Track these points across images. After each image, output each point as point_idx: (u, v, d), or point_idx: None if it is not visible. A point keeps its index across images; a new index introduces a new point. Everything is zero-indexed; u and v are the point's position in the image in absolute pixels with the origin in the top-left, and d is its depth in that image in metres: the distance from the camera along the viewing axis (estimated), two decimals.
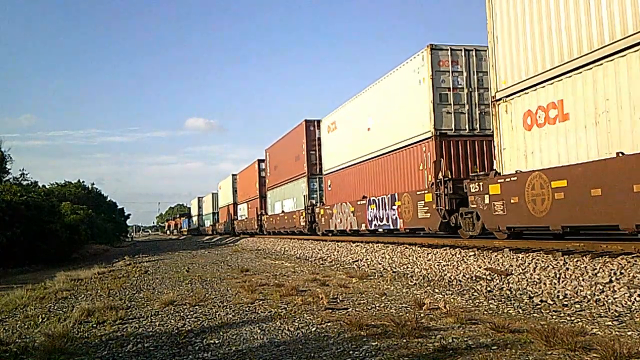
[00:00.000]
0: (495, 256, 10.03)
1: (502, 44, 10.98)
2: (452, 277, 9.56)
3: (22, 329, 7.09)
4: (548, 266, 8.33)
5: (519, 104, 10.51)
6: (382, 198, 16.64)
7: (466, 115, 13.83)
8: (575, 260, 8.22)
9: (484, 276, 9.06)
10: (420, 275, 10.31)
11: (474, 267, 9.80)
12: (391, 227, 16.12)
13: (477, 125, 13.83)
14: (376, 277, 10.53)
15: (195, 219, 79.04)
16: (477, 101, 13.90)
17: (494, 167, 11.49)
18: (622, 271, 7.18)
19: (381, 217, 16.81)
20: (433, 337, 5.12)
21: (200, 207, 73.32)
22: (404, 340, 5.01)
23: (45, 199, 27.36)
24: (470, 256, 10.63)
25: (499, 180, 10.76)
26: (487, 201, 11.09)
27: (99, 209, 52.11)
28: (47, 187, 44.79)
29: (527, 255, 9.37)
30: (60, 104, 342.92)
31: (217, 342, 5.57)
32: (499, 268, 9.19)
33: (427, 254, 12.11)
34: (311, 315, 6.61)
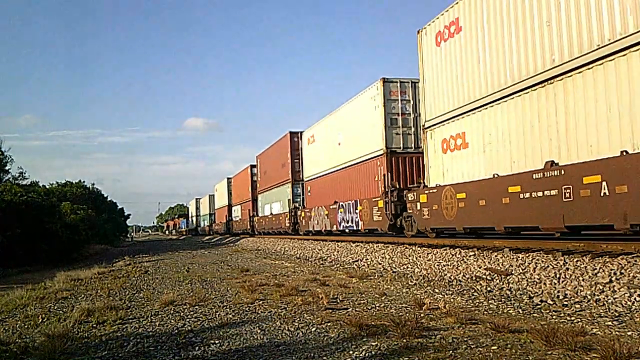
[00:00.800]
0: (495, 256, 10.02)
1: (428, 85, 13.94)
2: (452, 277, 9.55)
3: (22, 329, 7.08)
4: (548, 266, 8.33)
5: (439, 133, 13.45)
6: (348, 203, 19.56)
7: (412, 136, 16.62)
8: (575, 260, 8.22)
9: (484, 276, 9.06)
10: (420, 275, 10.30)
11: (474, 267, 9.80)
12: (355, 228, 18.88)
13: (421, 144, 15.64)
14: (376, 277, 10.53)
15: (193, 219, 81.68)
16: (420, 124, 16.08)
17: (423, 181, 14.22)
18: (622, 271, 7.18)
19: (347, 219, 19.63)
20: (433, 337, 5.12)
21: (197, 208, 75.96)
22: (404, 340, 5.01)
23: (45, 199, 27.35)
24: (470, 256, 10.63)
25: (425, 191, 13.65)
26: (418, 207, 14.03)
27: (99, 209, 52.08)
28: (47, 187, 44.77)
29: (527, 255, 9.37)
30: (60, 104, 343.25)
31: (217, 342, 5.56)
32: (499, 268, 9.19)
33: (427, 254, 12.11)
34: (311, 315, 6.61)
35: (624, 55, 8.06)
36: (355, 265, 13.43)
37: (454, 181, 12.52)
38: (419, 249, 13.17)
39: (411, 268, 11.34)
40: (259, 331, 5.95)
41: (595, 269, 7.56)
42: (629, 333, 4.94)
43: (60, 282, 12.60)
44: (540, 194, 9.48)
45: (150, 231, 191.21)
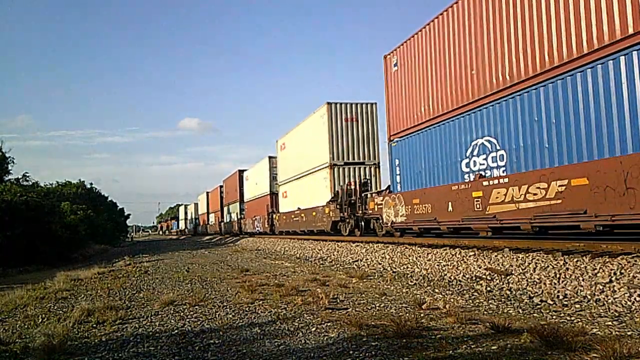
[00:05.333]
0: (495, 256, 10.02)
1: (278, 165, 31.01)
2: (452, 277, 9.56)
3: (22, 329, 7.08)
4: (548, 266, 8.33)
5: (282, 188, 29.96)
6: (258, 217, 36.12)
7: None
8: (575, 260, 8.22)
9: (484, 276, 9.06)
10: (420, 275, 10.30)
11: (474, 267, 9.80)
12: (260, 230, 35.16)
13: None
14: (376, 277, 10.53)
15: (182, 222, 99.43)
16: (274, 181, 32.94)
17: (278, 209, 30.90)
18: (622, 271, 7.18)
19: (258, 226, 36.03)
20: (433, 337, 5.12)
21: (186, 213, 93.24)
22: (404, 340, 5.01)
23: (45, 199, 27.35)
24: (470, 256, 10.63)
25: (277, 214, 30.68)
26: (275, 221, 31.14)
27: (98, 209, 52.06)
28: (47, 187, 44.70)
29: (527, 255, 9.36)
30: (59, 104, 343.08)
31: (217, 342, 5.56)
32: (499, 268, 9.18)
33: (427, 254, 12.10)
34: (311, 315, 6.60)
35: (308, 175, 24.62)
36: (355, 265, 13.43)
37: (285, 210, 29.11)
38: (419, 249, 13.16)
39: (411, 268, 11.34)
40: (259, 331, 5.95)
41: (595, 269, 7.56)
42: (629, 333, 4.94)
43: (60, 282, 12.58)
44: (297, 218, 26.19)
45: (150, 231, 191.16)
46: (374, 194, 17.75)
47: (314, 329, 5.83)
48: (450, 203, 12.40)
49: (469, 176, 12.17)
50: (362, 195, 18.65)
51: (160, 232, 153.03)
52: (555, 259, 8.62)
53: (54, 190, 44.06)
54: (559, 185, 9.21)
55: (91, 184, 59.02)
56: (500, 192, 10.69)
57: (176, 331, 6.23)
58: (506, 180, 10.60)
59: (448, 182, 12.81)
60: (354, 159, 21.36)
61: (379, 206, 16.56)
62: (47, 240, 24.12)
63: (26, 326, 7.22)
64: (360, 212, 18.50)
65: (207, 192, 63.94)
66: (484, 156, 11.69)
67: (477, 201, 11.40)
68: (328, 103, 21.61)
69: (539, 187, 9.66)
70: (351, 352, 4.79)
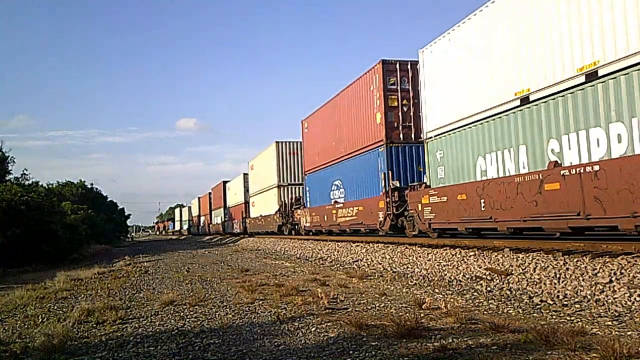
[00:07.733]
0: (495, 256, 10.02)
1: (250, 181, 38.57)
2: (452, 277, 9.55)
3: (22, 329, 7.08)
4: (548, 266, 8.33)
5: (252, 199, 37.47)
6: (236, 220, 42.97)
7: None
8: (575, 260, 8.22)
9: (484, 276, 9.06)
10: (420, 275, 10.30)
11: (474, 267, 9.79)
12: (238, 231, 42.26)
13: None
14: (376, 277, 10.52)
15: (177, 223, 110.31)
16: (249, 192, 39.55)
17: (249, 214, 38.94)
18: (622, 271, 7.18)
19: (236, 227, 42.79)
20: (433, 337, 5.11)
21: (181, 215, 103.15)
22: (404, 340, 5.00)
23: (45, 199, 27.32)
24: (470, 256, 10.62)
25: (249, 218, 38.88)
26: (247, 223, 39.15)
27: (99, 209, 52.07)
28: (47, 187, 44.66)
29: (527, 255, 9.36)
30: (59, 104, 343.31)
31: (217, 342, 5.56)
32: (499, 268, 9.18)
33: (427, 254, 12.10)
34: (311, 315, 6.60)
35: (266, 191, 33.44)
36: (355, 265, 13.42)
37: (253, 216, 36.34)
38: (419, 249, 13.15)
39: (411, 268, 11.34)
40: (258, 331, 5.95)
41: (595, 269, 7.55)
42: (629, 333, 4.94)
43: (60, 282, 12.58)
44: (260, 222, 34.29)
45: (150, 231, 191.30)
46: (298, 208, 27.32)
47: (314, 329, 5.83)
48: (325, 216, 22.06)
49: (332, 201, 21.31)
50: (293, 208, 28.21)
51: (158, 233, 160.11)
52: (555, 259, 8.61)
53: (55, 190, 44.03)
54: (356, 209, 18.73)
55: (91, 184, 58.96)
56: (341, 211, 20.21)
57: (176, 331, 6.23)
58: (342, 205, 20.15)
59: (325, 203, 22.20)
60: (294, 180, 30.08)
61: (299, 216, 26.67)
62: (48, 240, 24.07)
63: (26, 326, 7.23)
64: (292, 219, 28.37)
65: (199, 197, 72.88)
66: (337, 191, 21.06)
67: (334, 215, 20.84)
68: (276, 142, 30.53)
69: (351, 209, 19.17)
70: (351, 352, 4.79)
